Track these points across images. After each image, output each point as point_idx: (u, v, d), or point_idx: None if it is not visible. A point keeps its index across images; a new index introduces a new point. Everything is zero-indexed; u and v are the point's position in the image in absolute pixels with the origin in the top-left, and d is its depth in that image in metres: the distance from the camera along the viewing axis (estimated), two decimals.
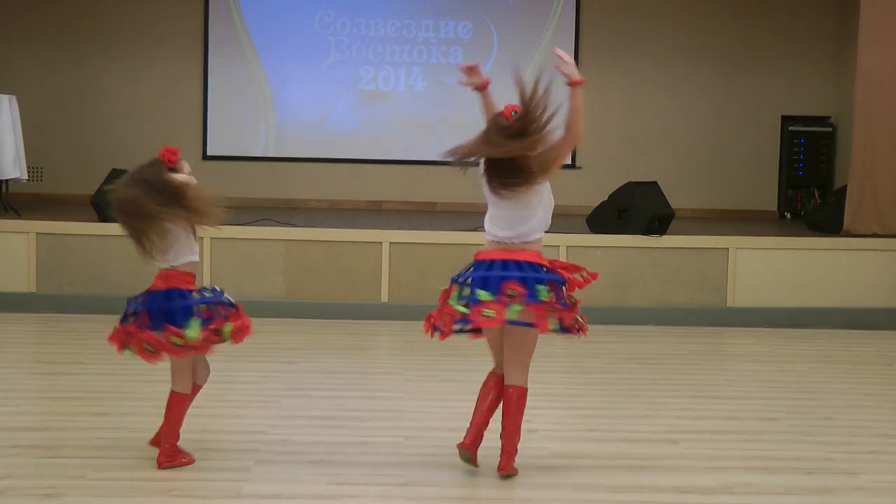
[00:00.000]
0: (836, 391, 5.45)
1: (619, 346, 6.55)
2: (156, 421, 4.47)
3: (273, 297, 7.28)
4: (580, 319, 3.87)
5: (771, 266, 7.46)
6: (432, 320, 3.82)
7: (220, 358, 5.92)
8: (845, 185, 8.17)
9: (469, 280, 3.72)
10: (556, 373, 5.86)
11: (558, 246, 7.36)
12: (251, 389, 5.17)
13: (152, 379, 5.32)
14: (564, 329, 3.80)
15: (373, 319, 7.09)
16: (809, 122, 9.97)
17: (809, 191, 9.88)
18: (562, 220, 8.89)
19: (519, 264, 3.70)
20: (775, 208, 10.07)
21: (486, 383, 3.90)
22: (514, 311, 3.66)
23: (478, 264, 3.77)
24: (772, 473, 4.00)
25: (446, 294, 3.78)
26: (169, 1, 9.87)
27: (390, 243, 7.20)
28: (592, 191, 8.99)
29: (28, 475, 3.78)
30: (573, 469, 3.99)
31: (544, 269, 3.75)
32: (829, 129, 9.92)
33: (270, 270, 7.30)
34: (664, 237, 7.47)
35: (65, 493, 3.58)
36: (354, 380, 5.49)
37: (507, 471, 3.82)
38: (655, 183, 7.99)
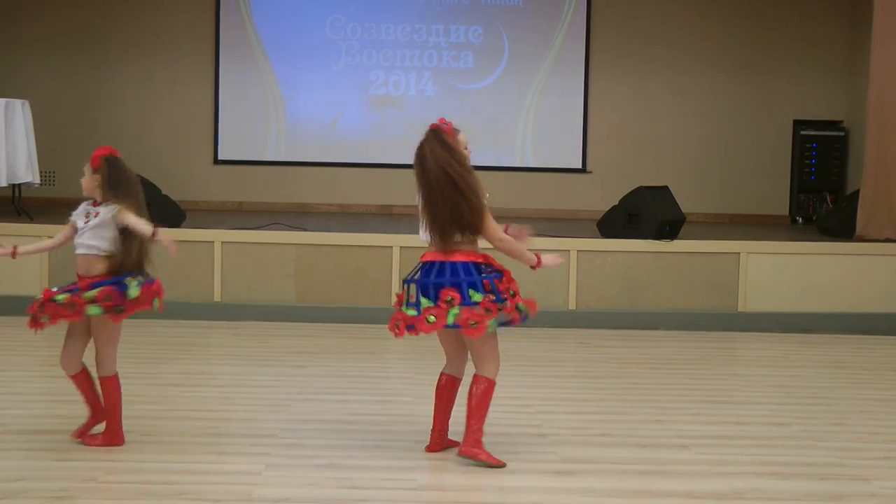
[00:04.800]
0: (847, 396, 5.42)
1: (629, 351, 6.54)
2: (165, 423, 4.50)
3: (284, 302, 7.29)
4: (520, 308, 3.98)
5: (782, 271, 7.44)
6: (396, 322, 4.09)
7: (232, 361, 5.95)
8: (858, 190, 8.14)
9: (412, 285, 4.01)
10: (566, 377, 5.86)
11: (569, 250, 7.36)
12: (262, 393, 5.18)
13: (163, 382, 5.35)
14: (504, 324, 3.97)
15: (383, 323, 7.02)
16: (821, 126, 9.93)
17: (821, 195, 9.84)
18: (572, 225, 8.96)
19: (454, 267, 3.91)
20: (787, 213, 10.04)
21: (438, 383, 4.15)
22: (453, 314, 3.87)
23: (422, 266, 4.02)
24: (783, 479, 3.98)
25: (400, 299, 4.07)
26: (180, 6, 9.92)
27: (401, 247, 7.21)
28: (603, 195, 8.99)
29: (40, 478, 3.80)
30: (583, 474, 3.99)
31: (480, 268, 3.95)
32: (842, 134, 9.88)
33: (281, 275, 7.31)
34: (675, 242, 7.45)
35: (76, 496, 3.60)
36: (365, 384, 5.50)
37: (464, 454, 3.97)
38: (666, 187, 7.98)
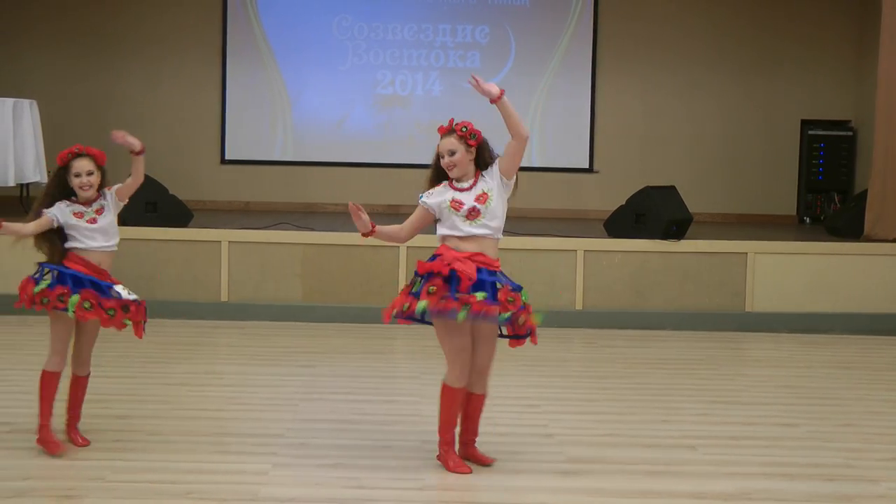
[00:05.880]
0: (855, 397, 5.41)
1: (636, 351, 6.53)
2: (172, 423, 4.51)
3: (291, 301, 7.30)
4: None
5: (790, 271, 7.42)
6: None
7: (239, 361, 5.96)
8: (866, 190, 8.12)
9: None
10: (572, 377, 5.85)
11: (576, 251, 7.35)
12: (269, 393, 5.19)
13: (170, 382, 5.37)
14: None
15: (390, 323, 7.09)
16: (829, 126, 9.91)
17: (829, 195, 9.82)
18: (579, 225, 8.95)
19: None
20: (795, 213, 10.01)
21: None
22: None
23: None
24: (791, 480, 3.97)
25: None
26: (188, 7, 9.94)
27: (407, 247, 7.21)
28: (610, 195, 8.98)
29: (48, 476, 3.81)
30: (590, 474, 3.98)
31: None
32: (850, 134, 9.85)
33: (288, 274, 7.32)
34: (682, 242, 7.44)
35: (84, 495, 3.61)
36: (372, 383, 5.50)
37: (438, 458, 4.00)
38: (673, 187, 7.96)
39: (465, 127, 4.02)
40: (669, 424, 4.73)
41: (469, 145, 4.00)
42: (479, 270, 3.85)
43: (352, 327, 7.00)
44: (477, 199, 3.95)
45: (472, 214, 3.94)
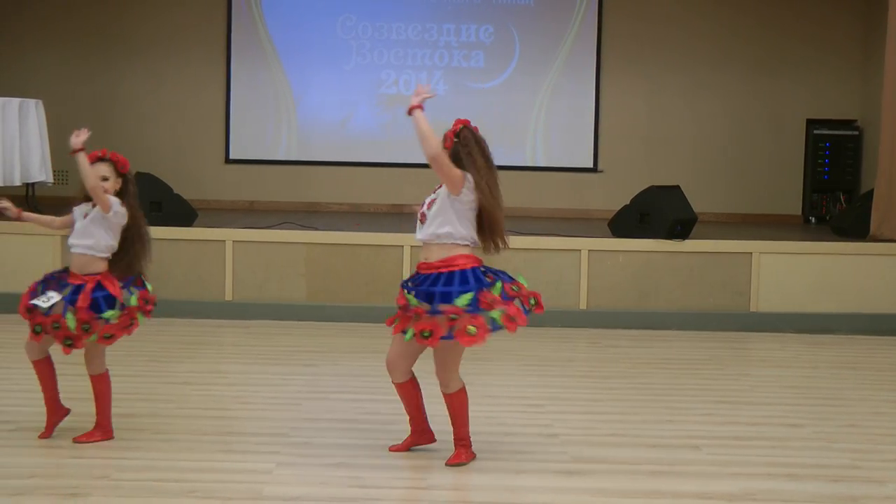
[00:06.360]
0: (861, 397, 5.39)
1: (640, 351, 6.52)
2: (177, 422, 4.51)
3: (295, 301, 7.31)
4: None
5: (795, 271, 7.40)
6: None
7: (243, 360, 5.97)
8: (871, 190, 8.09)
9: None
10: (577, 377, 5.84)
11: (580, 250, 7.34)
12: (273, 392, 5.19)
13: (174, 381, 5.38)
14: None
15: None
16: (835, 125, 9.89)
17: (835, 195, 9.79)
18: (583, 224, 8.94)
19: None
20: (800, 213, 9.99)
21: None
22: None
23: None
24: (796, 481, 3.96)
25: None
26: (193, 7, 9.95)
27: (411, 246, 7.20)
28: (614, 195, 8.97)
29: (53, 474, 3.82)
30: (594, 474, 3.98)
31: None
32: (856, 133, 9.83)
33: (292, 274, 7.33)
34: (687, 241, 7.43)
35: (88, 493, 3.61)
36: (376, 383, 5.49)
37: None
38: (678, 187, 7.95)
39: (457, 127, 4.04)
40: (674, 424, 4.72)
41: (444, 147, 3.99)
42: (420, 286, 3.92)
43: (355, 327, 7.00)
44: (428, 205, 3.97)
45: (422, 218, 3.97)
